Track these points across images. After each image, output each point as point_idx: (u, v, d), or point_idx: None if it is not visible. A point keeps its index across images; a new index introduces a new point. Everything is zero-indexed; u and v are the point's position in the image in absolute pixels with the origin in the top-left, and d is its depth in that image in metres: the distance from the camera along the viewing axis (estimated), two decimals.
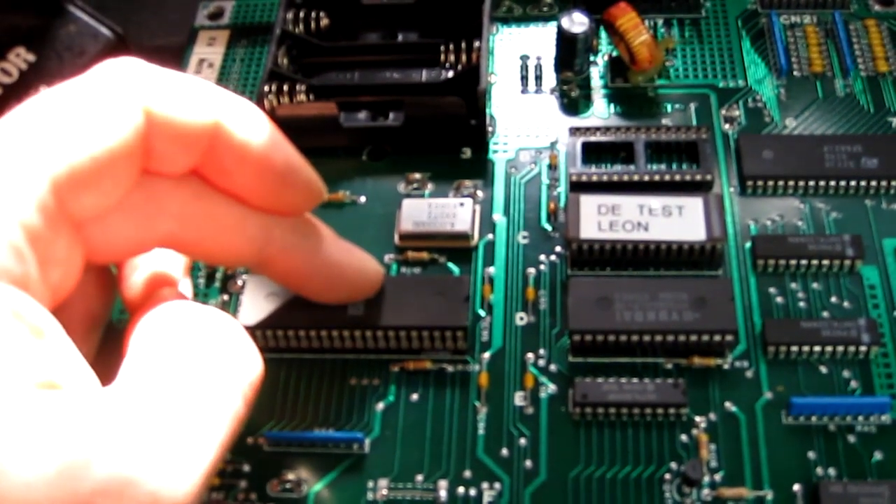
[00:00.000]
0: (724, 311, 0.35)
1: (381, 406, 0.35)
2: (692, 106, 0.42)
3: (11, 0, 0.41)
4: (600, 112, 0.43)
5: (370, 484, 0.33)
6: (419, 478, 0.33)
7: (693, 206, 0.37)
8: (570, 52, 0.43)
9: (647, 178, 0.39)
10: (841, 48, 0.44)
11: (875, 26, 0.45)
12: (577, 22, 0.42)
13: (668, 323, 0.34)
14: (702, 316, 0.35)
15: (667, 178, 0.39)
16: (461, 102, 0.39)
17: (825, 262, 0.37)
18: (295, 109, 0.40)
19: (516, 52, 0.45)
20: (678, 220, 0.37)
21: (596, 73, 0.44)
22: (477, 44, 0.42)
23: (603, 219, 0.37)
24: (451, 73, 0.42)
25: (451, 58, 0.43)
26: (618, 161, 0.40)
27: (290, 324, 0.35)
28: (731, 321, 0.34)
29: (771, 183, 0.39)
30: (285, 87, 0.41)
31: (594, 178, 0.39)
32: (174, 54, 0.47)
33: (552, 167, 0.41)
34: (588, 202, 0.37)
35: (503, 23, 0.46)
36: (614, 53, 0.44)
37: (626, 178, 0.39)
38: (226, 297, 0.38)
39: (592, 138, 0.40)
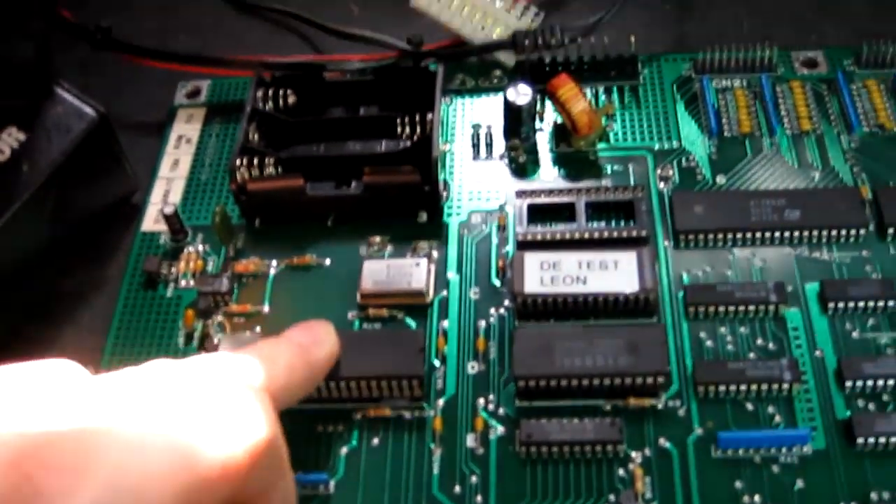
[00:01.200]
0: (655, 355, 0.38)
1: (344, 450, 0.38)
2: (630, 167, 0.46)
3: (4, 83, 0.43)
4: (546, 175, 0.46)
5: None
6: None
7: (627, 260, 0.40)
8: (516, 121, 0.46)
9: (587, 235, 0.42)
10: (768, 109, 0.47)
11: (800, 87, 0.48)
12: (521, 93, 0.45)
13: (604, 367, 0.38)
14: (635, 360, 0.38)
15: (605, 234, 0.42)
16: (415, 171, 0.42)
17: (751, 307, 0.40)
18: (265, 183, 0.44)
19: (469, 120, 0.48)
20: (613, 274, 0.40)
21: (542, 139, 0.47)
22: (430, 116, 0.45)
23: (545, 274, 0.40)
24: (407, 144, 0.45)
25: (408, 129, 0.46)
26: (561, 220, 0.43)
27: None
28: (663, 364, 0.38)
29: (702, 236, 0.42)
30: (255, 161, 0.44)
31: (539, 236, 0.42)
32: (155, 130, 0.50)
33: (501, 228, 0.44)
34: (531, 259, 0.41)
35: (457, 94, 0.50)
36: (559, 120, 0.47)
37: (568, 235, 0.42)
38: (203, 352, 0.41)
39: (537, 200, 0.44)
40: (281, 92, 0.47)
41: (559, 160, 0.46)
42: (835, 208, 0.42)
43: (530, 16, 0.49)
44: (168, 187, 0.47)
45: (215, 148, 0.49)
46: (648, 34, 0.52)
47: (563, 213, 0.44)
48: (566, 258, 0.41)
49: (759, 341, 0.40)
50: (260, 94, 0.47)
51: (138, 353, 0.41)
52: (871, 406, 0.38)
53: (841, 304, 0.40)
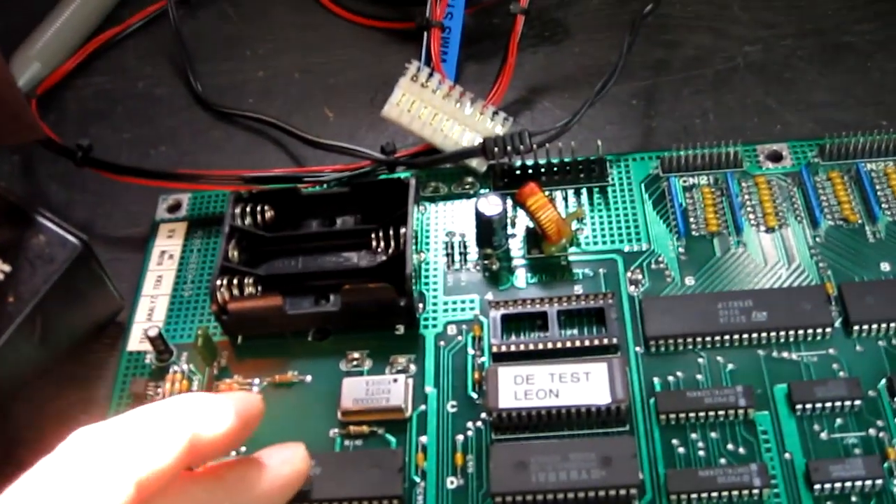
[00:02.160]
0: (628, 467, 0.39)
1: None
2: (601, 272, 0.47)
3: None
4: (520, 282, 0.47)
5: None
6: None
7: (598, 371, 0.41)
8: (488, 231, 0.47)
9: (559, 344, 0.43)
10: (734, 206, 0.48)
11: (765, 183, 0.49)
12: (492, 204, 0.46)
13: (577, 482, 0.38)
14: (607, 473, 0.39)
15: (577, 343, 0.43)
16: (391, 288, 0.44)
17: (720, 412, 0.41)
18: (245, 303, 0.45)
19: (443, 228, 0.49)
20: (585, 385, 0.41)
21: (515, 245, 0.48)
22: (403, 230, 0.46)
23: (519, 388, 0.41)
24: (382, 258, 0.46)
25: (383, 243, 0.47)
26: (535, 329, 0.45)
27: None
28: (634, 476, 0.38)
29: (671, 341, 0.43)
30: (235, 280, 0.45)
31: (512, 347, 0.43)
32: (137, 245, 0.51)
33: (477, 339, 0.45)
34: (505, 374, 0.42)
35: (430, 201, 0.51)
36: (531, 225, 0.48)
37: (541, 346, 0.43)
38: None
39: (510, 310, 0.45)
40: (258, 207, 0.48)
41: (532, 266, 0.47)
42: (801, 308, 0.43)
43: (500, 120, 0.51)
44: (152, 304, 0.48)
45: (197, 263, 0.50)
46: (617, 131, 0.53)
47: (536, 321, 0.45)
48: (539, 372, 0.42)
49: (730, 446, 0.40)
50: (238, 210, 0.48)
51: None
52: None
53: (808, 406, 0.41)
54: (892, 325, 0.43)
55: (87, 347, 0.48)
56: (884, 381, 0.42)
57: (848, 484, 0.39)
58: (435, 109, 0.51)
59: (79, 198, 0.52)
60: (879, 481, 0.38)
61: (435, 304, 0.47)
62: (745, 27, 0.59)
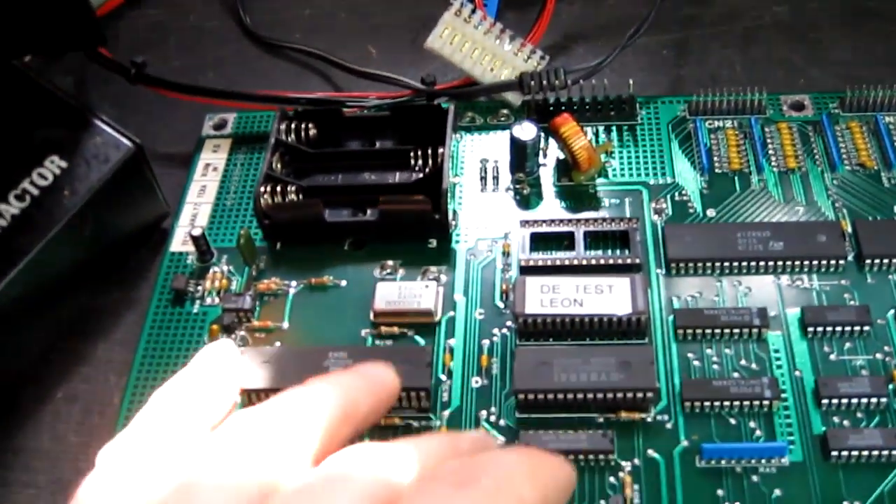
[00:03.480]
0: (645, 372, 0.41)
1: None
2: (627, 200, 0.49)
3: (47, 115, 0.46)
4: (549, 206, 0.49)
5: None
6: None
7: (621, 284, 0.43)
8: (521, 157, 0.49)
9: (584, 262, 0.45)
10: (756, 148, 0.50)
11: (787, 129, 0.51)
12: (526, 131, 0.49)
13: (597, 383, 0.41)
14: (627, 377, 0.41)
15: (602, 261, 0.45)
16: (427, 200, 0.46)
17: (736, 330, 0.43)
18: (286, 209, 0.47)
19: (478, 156, 0.52)
20: (608, 297, 0.43)
21: (545, 173, 0.50)
22: (441, 150, 0.48)
23: (545, 297, 0.43)
24: (419, 176, 0.48)
25: (420, 162, 0.49)
26: (561, 248, 0.47)
27: (281, 386, 0.41)
28: (651, 381, 0.40)
29: (692, 265, 0.45)
30: (278, 189, 0.47)
31: (540, 262, 0.46)
32: (184, 159, 0.53)
33: (506, 254, 0.47)
34: (532, 283, 0.44)
35: (466, 131, 0.53)
36: (561, 156, 0.50)
37: (567, 262, 0.45)
38: None
39: (539, 229, 0.47)
40: (303, 125, 0.50)
41: (561, 193, 0.49)
42: (816, 240, 0.45)
43: (536, 59, 0.53)
44: (195, 212, 0.50)
45: (240, 176, 0.52)
46: (647, 77, 0.56)
47: (563, 241, 0.47)
48: (564, 282, 0.44)
49: (743, 362, 0.42)
50: (283, 126, 0.50)
51: (166, 365, 0.44)
52: (846, 422, 0.40)
53: (820, 329, 0.43)
54: None
55: (131, 248, 0.50)
56: (892, 311, 0.44)
57: (854, 400, 0.41)
58: (476, 44, 0.53)
59: (130, 117, 0.54)
60: (884, 399, 0.40)
61: (467, 222, 0.49)
62: None
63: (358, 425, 0.32)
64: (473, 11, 0.53)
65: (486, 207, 0.49)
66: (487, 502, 0.26)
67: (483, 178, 0.50)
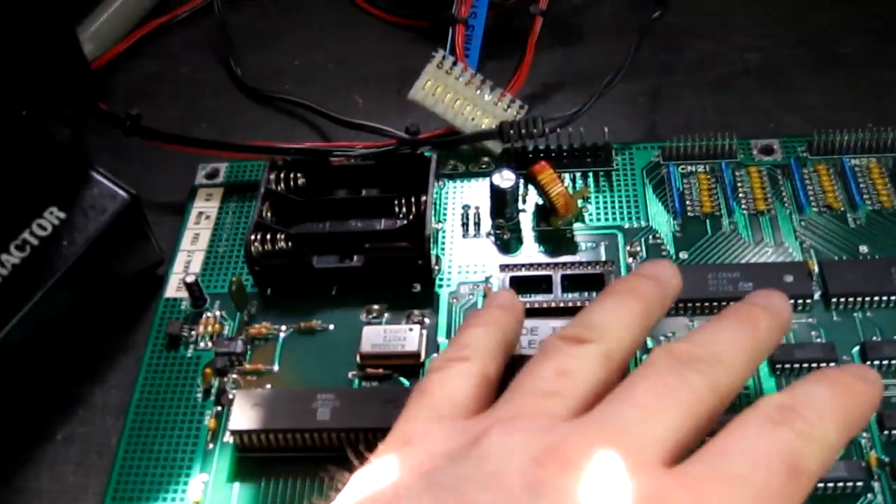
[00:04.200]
0: None
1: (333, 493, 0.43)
2: (603, 244, 0.51)
3: (47, 167, 0.48)
4: (528, 251, 0.51)
5: None
6: None
7: None
8: (501, 203, 0.51)
9: (562, 304, 0.47)
10: (727, 192, 0.52)
11: (756, 172, 0.53)
12: (505, 178, 0.51)
13: None
14: None
15: (579, 303, 0.47)
16: (410, 247, 0.48)
17: None
18: (276, 255, 0.49)
19: (459, 202, 0.54)
20: None
21: (525, 219, 0.52)
22: (424, 198, 0.50)
23: (524, 338, 0.45)
24: (403, 222, 0.50)
25: (404, 209, 0.51)
26: (540, 291, 0.49)
27: (272, 427, 0.43)
28: None
29: None
30: (268, 237, 0.49)
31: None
32: (178, 209, 0.55)
33: (486, 297, 0.49)
34: None
35: (449, 178, 0.55)
36: (540, 202, 0.52)
37: (545, 304, 0.47)
38: (219, 408, 0.46)
39: (518, 273, 0.49)
40: (292, 175, 0.52)
41: (540, 238, 0.51)
42: (783, 280, 0.47)
43: (515, 108, 0.55)
44: (189, 259, 0.52)
45: (231, 224, 0.54)
46: (623, 124, 0.58)
47: (542, 284, 0.49)
48: (542, 324, 0.45)
49: None
50: (273, 176, 0.52)
51: (161, 407, 0.46)
52: None
53: (787, 366, 0.45)
54: (867, 298, 0.47)
55: (128, 295, 0.52)
56: (857, 347, 0.45)
57: None
58: (457, 95, 0.55)
59: (126, 167, 0.56)
60: None
61: (450, 267, 0.51)
62: (747, 36, 0.63)
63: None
64: (455, 63, 0.55)
65: (468, 252, 0.51)
66: (797, 444, 0.30)
67: (465, 224, 0.52)
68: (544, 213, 0.52)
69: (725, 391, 0.33)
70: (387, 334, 0.47)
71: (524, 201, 0.53)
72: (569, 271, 0.49)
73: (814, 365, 0.45)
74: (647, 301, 0.38)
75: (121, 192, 0.49)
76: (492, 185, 0.51)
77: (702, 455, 0.30)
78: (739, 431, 0.31)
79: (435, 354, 0.47)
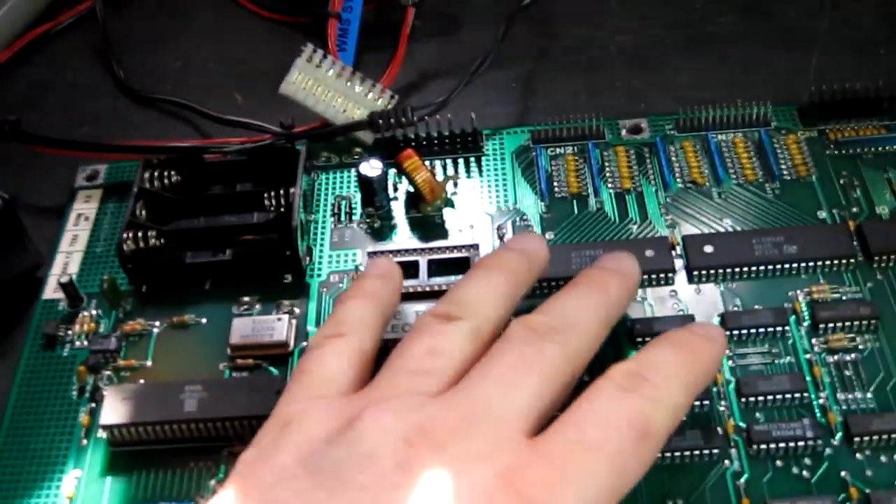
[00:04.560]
0: None
1: (213, 482, 0.43)
2: (471, 228, 0.52)
3: None
4: (401, 238, 0.52)
5: None
6: None
7: None
8: (369, 192, 0.52)
9: (427, 288, 0.48)
10: (593, 171, 0.54)
11: (623, 152, 0.54)
12: (372, 167, 0.51)
13: None
14: None
15: (444, 287, 0.47)
16: (275, 239, 0.49)
17: None
18: (147, 253, 0.50)
19: (333, 192, 0.54)
20: None
21: (398, 206, 0.53)
22: (293, 190, 0.51)
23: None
24: (273, 215, 0.51)
25: (275, 202, 0.51)
26: (407, 277, 0.49)
27: (141, 420, 0.44)
28: None
29: None
30: (141, 234, 0.50)
31: None
32: (59, 212, 0.55)
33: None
34: None
35: (322, 170, 0.56)
36: (411, 190, 0.53)
37: (411, 289, 0.48)
38: (93, 404, 0.46)
39: None
40: (166, 173, 0.53)
41: (411, 224, 0.52)
42: (645, 256, 0.48)
43: (386, 98, 0.56)
44: (67, 260, 0.53)
45: (110, 224, 0.54)
46: (496, 110, 0.59)
47: (409, 270, 0.49)
48: (407, 308, 0.47)
49: None
50: (147, 175, 0.52)
51: (37, 407, 0.47)
52: None
53: (648, 339, 0.46)
54: (728, 270, 0.48)
55: (5, 298, 0.52)
56: (717, 317, 0.47)
57: None
58: (328, 88, 0.56)
59: (5, 171, 0.57)
60: (707, 402, 0.43)
61: (321, 256, 0.51)
62: (619, 19, 0.64)
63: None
64: (325, 56, 0.56)
65: (339, 242, 0.52)
66: (646, 409, 0.33)
67: (336, 214, 0.53)
68: (414, 201, 0.53)
69: (581, 356, 0.36)
70: (255, 325, 0.47)
71: (395, 189, 0.54)
72: (435, 256, 0.49)
73: None
74: (515, 275, 0.40)
75: None
76: (359, 175, 0.52)
77: (558, 426, 0.32)
78: (592, 400, 0.33)
79: (304, 343, 0.47)
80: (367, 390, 0.35)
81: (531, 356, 0.34)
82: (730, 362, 0.45)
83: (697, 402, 0.43)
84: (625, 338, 0.46)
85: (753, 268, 0.48)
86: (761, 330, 0.46)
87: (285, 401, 0.36)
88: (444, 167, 0.55)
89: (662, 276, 0.48)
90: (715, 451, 0.42)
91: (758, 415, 0.43)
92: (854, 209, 0.51)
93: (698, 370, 0.36)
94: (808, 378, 0.44)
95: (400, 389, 0.34)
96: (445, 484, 0.30)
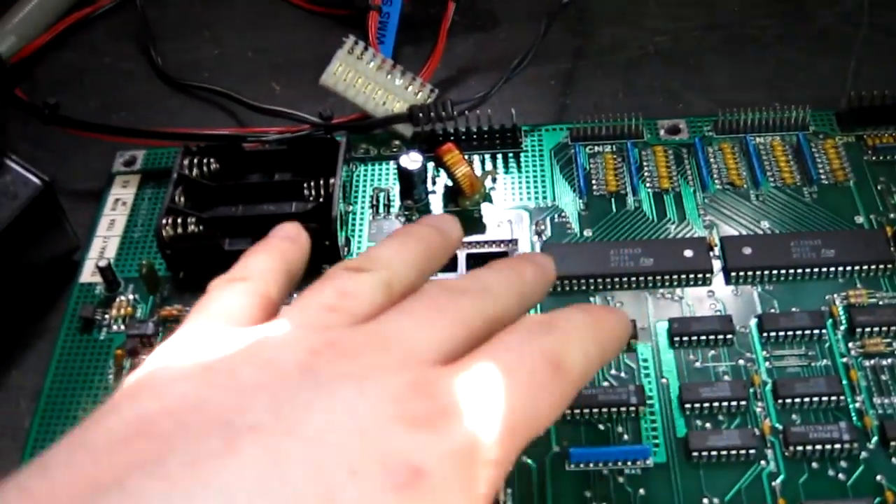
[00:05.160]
0: None
1: None
2: (509, 223, 0.52)
3: None
4: None
5: None
6: None
7: None
8: (408, 185, 0.52)
9: None
10: (632, 170, 0.54)
11: (662, 151, 0.54)
12: (412, 160, 0.52)
13: None
14: None
15: None
16: (317, 228, 0.49)
17: None
18: (186, 239, 0.50)
19: (371, 185, 0.55)
20: None
21: (435, 200, 0.53)
22: (332, 181, 0.51)
23: None
24: (313, 204, 0.51)
25: (314, 192, 0.51)
26: (445, 270, 0.49)
27: None
28: None
29: (567, 281, 0.48)
30: (180, 220, 0.50)
31: None
32: (96, 196, 0.56)
33: None
34: None
35: (361, 162, 0.56)
36: (449, 183, 0.53)
37: None
38: None
39: None
40: (205, 160, 0.53)
41: None
42: (683, 256, 0.48)
43: (426, 92, 0.56)
44: (104, 244, 0.53)
45: (147, 210, 0.55)
46: (535, 107, 0.59)
47: (448, 264, 0.49)
48: None
49: (613, 371, 0.45)
50: (186, 162, 0.52)
51: (73, 389, 0.47)
52: (708, 424, 0.44)
53: (686, 338, 0.46)
54: (765, 272, 0.48)
55: (43, 280, 0.52)
56: (754, 319, 0.47)
57: (715, 404, 0.44)
58: (368, 80, 0.56)
59: (44, 155, 0.57)
60: (744, 402, 0.43)
61: (359, 247, 0.52)
62: (658, 20, 0.65)
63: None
64: (366, 48, 0.56)
65: (377, 234, 0.52)
66: (558, 346, 0.31)
67: (374, 206, 0.53)
68: (453, 195, 0.53)
69: (493, 319, 0.33)
70: None
71: (434, 183, 0.54)
72: (474, 250, 0.50)
73: (711, 337, 0.46)
74: (428, 244, 0.38)
75: (34, 178, 0.50)
76: (399, 167, 0.52)
77: (470, 356, 0.30)
78: (504, 338, 0.31)
79: None
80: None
81: (445, 304, 0.32)
82: (767, 364, 0.45)
83: (734, 402, 0.43)
84: (665, 337, 0.46)
85: (791, 270, 0.48)
86: (798, 332, 0.46)
87: (179, 330, 0.32)
88: (483, 162, 0.55)
89: (700, 276, 0.48)
90: (752, 451, 0.42)
91: (794, 416, 0.44)
92: (891, 215, 0.51)
93: (608, 332, 0.35)
94: (844, 381, 0.44)
95: (308, 320, 0.31)
96: (353, 386, 0.27)
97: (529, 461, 0.43)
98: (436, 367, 0.29)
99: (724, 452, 0.42)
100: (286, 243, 0.39)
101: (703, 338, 0.46)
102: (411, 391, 0.27)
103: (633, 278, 0.48)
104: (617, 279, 0.48)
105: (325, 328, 0.30)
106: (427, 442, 0.26)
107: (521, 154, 0.55)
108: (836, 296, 0.47)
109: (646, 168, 0.54)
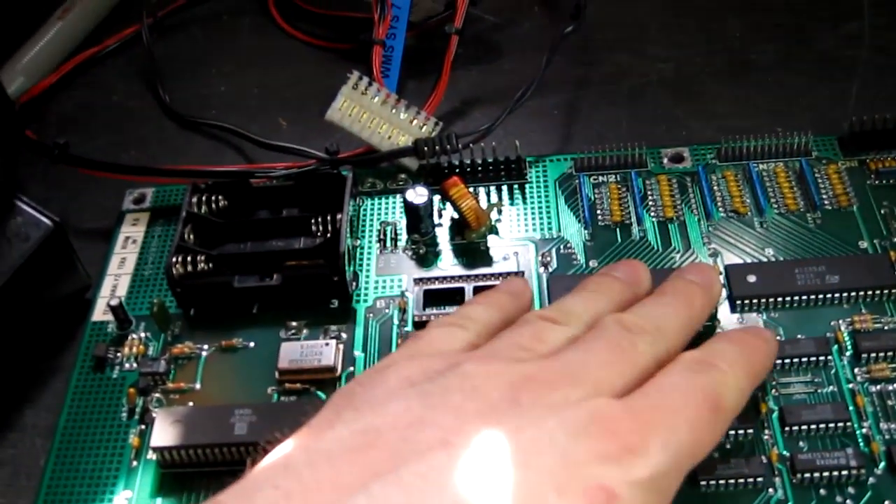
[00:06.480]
0: None
1: None
2: (515, 255, 0.52)
3: None
4: (445, 264, 0.52)
5: None
6: None
7: None
8: (415, 219, 0.52)
9: None
10: (636, 200, 0.54)
11: (666, 180, 0.55)
12: (418, 194, 0.52)
13: None
14: None
15: None
16: (324, 264, 0.49)
17: None
18: (196, 277, 0.50)
19: (379, 217, 0.55)
20: None
21: (442, 233, 0.54)
22: (339, 216, 0.51)
23: None
24: (321, 240, 0.51)
25: (321, 228, 0.52)
26: (454, 303, 0.50)
27: (192, 443, 0.44)
28: None
29: None
30: (189, 258, 0.50)
31: (431, 317, 0.49)
32: (106, 234, 0.56)
33: (402, 311, 0.50)
34: None
35: (368, 196, 0.56)
36: (455, 216, 0.54)
37: None
38: (143, 426, 0.47)
39: (432, 286, 0.50)
40: (214, 197, 0.54)
41: (456, 251, 0.53)
42: None
43: (431, 125, 0.57)
44: (116, 283, 0.53)
45: (157, 247, 0.55)
46: (538, 137, 0.59)
47: (455, 296, 0.50)
48: None
49: None
50: (195, 199, 0.53)
51: (87, 428, 0.47)
52: (716, 453, 0.43)
53: None
54: (770, 299, 0.48)
55: (55, 319, 0.53)
56: None
57: None
58: (373, 114, 0.57)
59: (55, 194, 0.58)
60: (751, 430, 0.44)
61: (367, 282, 0.52)
62: (660, 47, 0.65)
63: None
64: (370, 83, 0.57)
65: (385, 268, 0.53)
66: (717, 387, 0.36)
67: (381, 240, 0.54)
68: (459, 228, 0.53)
69: (663, 358, 0.38)
70: (304, 350, 0.48)
71: (440, 216, 0.54)
72: (480, 283, 0.50)
73: None
74: (616, 299, 0.42)
75: (44, 219, 0.50)
76: (405, 202, 0.52)
77: (641, 391, 0.35)
78: (668, 375, 0.36)
79: (351, 368, 0.48)
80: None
81: (626, 346, 0.37)
82: (773, 391, 0.45)
83: (741, 431, 0.43)
84: None
85: (796, 297, 0.48)
86: (804, 359, 0.46)
87: (387, 356, 0.38)
88: (488, 194, 0.56)
89: None
90: (759, 479, 0.42)
91: (801, 443, 0.44)
92: (895, 239, 0.51)
93: (757, 362, 0.40)
94: (850, 407, 0.44)
95: (503, 354, 0.36)
96: (553, 416, 0.32)
97: None
98: (615, 399, 0.34)
99: (731, 480, 0.42)
100: (506, 298, 0.43)
101: None
102: (600, 423, 0.32)
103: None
104: None
105: (517, 362, 0.35)
106: (618, 471, 0.31)
107: (526, 185, 0.56)
108: (841, 321, 0.48)
109: (650, 197, 0.54)
